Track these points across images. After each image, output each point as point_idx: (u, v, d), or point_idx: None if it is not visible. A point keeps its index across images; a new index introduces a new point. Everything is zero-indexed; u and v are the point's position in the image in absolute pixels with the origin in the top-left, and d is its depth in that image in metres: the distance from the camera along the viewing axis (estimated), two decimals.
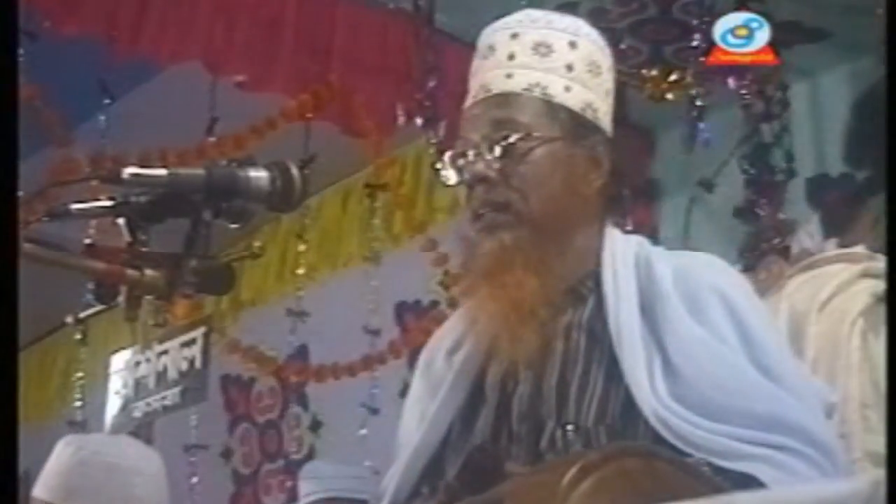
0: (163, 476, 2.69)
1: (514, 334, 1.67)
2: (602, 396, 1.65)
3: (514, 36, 1.76)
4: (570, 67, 1.74)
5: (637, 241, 1.77)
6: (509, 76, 1.74)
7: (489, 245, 1.69)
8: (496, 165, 1.70)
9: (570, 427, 1.64)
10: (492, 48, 1.77)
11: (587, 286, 1.73)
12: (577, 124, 1.73)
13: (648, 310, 1.67)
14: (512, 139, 1.70)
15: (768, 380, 1.61)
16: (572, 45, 1.75)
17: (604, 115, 1.77)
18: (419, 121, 3.79)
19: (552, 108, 1.72)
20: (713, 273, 1.73)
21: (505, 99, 1.73)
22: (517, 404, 1.69)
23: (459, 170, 1.75)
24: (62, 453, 2.63)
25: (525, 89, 1.73)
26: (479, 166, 1.71)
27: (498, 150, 1.70)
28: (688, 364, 1.62)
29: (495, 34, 1.78)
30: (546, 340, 1.68)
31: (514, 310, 1.67)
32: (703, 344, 1.63)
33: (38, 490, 2.58)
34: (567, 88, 1.73)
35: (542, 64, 1.73)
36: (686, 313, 1.66)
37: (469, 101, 1.78)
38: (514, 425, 1.68)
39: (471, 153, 1.73)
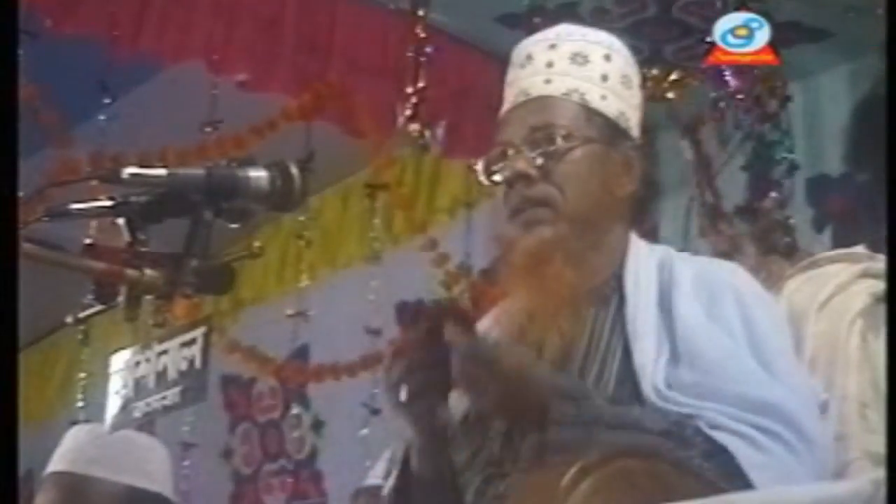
0: (169, 464, 2.72)
1: (548, 325, 1.71)
2: (614, 389, 1.68)
3: (552, 46, 1.83)
4: (605, 78, 1.81)
5: (663, 249, 1.83)
6: (548, 81, 1.80)
7: (529, 240, 1.74)
8: (537, 163, 1.75)
9: None
10: (529, 57, 1.83)
11: (611, 286, 1.78)
12: (612, 130, 1.80)
13: (665, 306, 1.72)
14: (557, 143, 1.75)
15: (767, 373, 1.65)
16: (607, 57, 1.83)
17: (634, 126, 1.84)
18: (403, 118, 3.77)
19: (589, 113, 1.79)
20: (731, 276, 1.79)
21: (544, 103, 1.79)
22: None
23: (495, 172, 1.79)
24: (76, 433, 2.68)
25: (564, 94, 1.79)
26: (520, 164, 1.76)
27: (540, 150, 1.75)
28: (691, 351, 1.67)
29: (533, 45, 1.85)
30: (573, 336, 1.72)
31: (551, 301, 1.71)
32: (710, 336, 1.68)
33: (54, 465, 2.59)
34: (603, 97, 1.80)
35: (579, 72, 1.80)
36: (701, 310, 1.71)
37: (506, 107, 1.84)
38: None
39: (511, 152, 1.78)
